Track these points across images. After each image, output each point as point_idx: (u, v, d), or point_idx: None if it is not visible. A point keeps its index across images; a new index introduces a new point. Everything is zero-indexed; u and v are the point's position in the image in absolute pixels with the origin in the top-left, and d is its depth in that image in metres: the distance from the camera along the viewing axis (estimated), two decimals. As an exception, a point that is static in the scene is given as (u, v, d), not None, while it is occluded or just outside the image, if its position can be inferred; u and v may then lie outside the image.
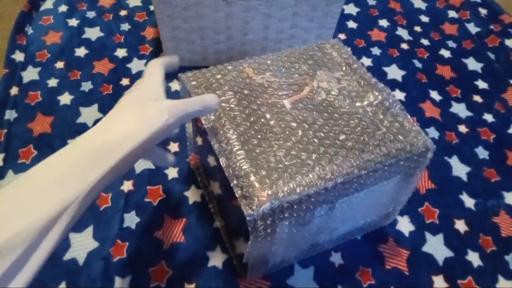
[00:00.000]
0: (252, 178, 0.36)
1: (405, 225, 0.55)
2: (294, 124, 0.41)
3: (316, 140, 0.40)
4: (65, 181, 0.28)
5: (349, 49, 0.51)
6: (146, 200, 0.55)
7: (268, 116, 0.41)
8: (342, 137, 0.40)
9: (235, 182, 0.36)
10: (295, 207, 0.36)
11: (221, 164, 0.38)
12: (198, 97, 0.37)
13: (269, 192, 0.35)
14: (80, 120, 0.64)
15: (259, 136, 0.39)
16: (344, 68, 0.47)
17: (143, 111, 0.32)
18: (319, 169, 0.37)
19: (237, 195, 0.35)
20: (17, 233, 0.25)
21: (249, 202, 0.34)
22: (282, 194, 0.35)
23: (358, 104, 0.44)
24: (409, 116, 0.43)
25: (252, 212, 0.34)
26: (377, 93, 0.45)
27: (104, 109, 0.66)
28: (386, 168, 0.39)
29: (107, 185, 0.31)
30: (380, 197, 0.45)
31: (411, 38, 0.83)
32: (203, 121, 0.42)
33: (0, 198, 0.26)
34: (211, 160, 0.57)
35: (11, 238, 0.24)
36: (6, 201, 0.26)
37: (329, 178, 0.37)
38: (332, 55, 0.49)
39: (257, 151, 0.38)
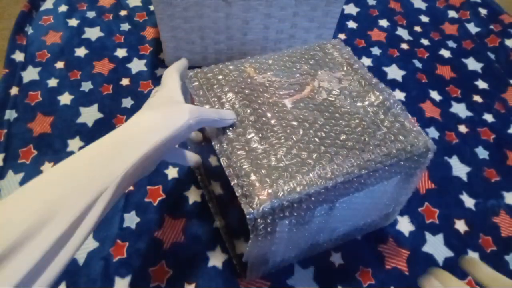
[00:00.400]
0: (253, 177, 0.36)
1: (405, 225, 0.55)
2: (295, 124, 0.41)
3: (316, 140, 0.40)
4: (99, 169, 0.30)
5: (349, 49, 0.51)
6: (146, 200, 0.55)
7: (269, 115, 0.41)
8: (342, 136, 0.40)
9: (235, 181, 0.36)
10: (295, 206, 0.36)
11: (222, 163, 0.38)
12: (216, 109, 0.41)
13: (269, 191, 0.35)
14: (80, 120, 0.64)
15: (260, 135, 0.39)
16: (345, 68, 0.47)
17: (167, 109, 0.35)
18: (320, 168, 0.37)
19: (237, 194, 0.35)
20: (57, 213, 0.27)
21: (249, 201, 0.34)
22: (282, 193, 0.35)
23: (359, 104, 0.44)
24: (410, 116, 0.43)
25: (252, 211, 0.34)
26: (378, 93, 0.45)
27: (104, 109, 0.66)
28: (386, 168, 0.39)
29: (138, 178, 0.34)
30: (380, 197, 0.45)
31: (411, 38, 0.83)
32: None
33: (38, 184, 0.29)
34: (212, 160, 0.57)
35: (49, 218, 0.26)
36: (45, 187, 0.29)
37: (330, 177, 0.37)
38: (333, 55, 0.49)
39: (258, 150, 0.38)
